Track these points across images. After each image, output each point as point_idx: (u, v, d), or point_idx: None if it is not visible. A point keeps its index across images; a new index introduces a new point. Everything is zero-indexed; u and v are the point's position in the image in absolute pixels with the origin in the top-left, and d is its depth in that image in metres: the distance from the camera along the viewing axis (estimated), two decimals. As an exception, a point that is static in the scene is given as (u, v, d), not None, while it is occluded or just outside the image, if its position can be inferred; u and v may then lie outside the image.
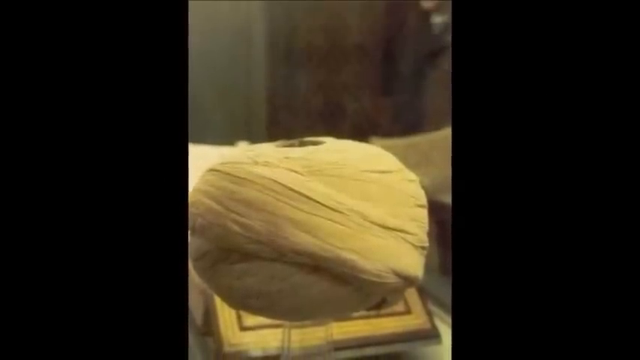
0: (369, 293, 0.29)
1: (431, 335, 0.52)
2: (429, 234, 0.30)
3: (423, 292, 0.54)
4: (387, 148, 0.32)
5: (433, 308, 0.57)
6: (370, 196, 0.28)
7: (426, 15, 0.93)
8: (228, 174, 0.28)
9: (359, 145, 0.31)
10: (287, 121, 1.15)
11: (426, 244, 0.30)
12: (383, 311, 0.36)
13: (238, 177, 0.28)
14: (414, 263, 0.28)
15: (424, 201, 0.30)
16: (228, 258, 0.28)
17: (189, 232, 0.30)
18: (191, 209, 0.29)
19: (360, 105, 1.15)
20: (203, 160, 0.31)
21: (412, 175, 0.31)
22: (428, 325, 0.52)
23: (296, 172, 0.28)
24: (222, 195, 0.28)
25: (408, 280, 0.28)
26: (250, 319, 0.47)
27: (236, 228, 0.27)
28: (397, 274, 0.28)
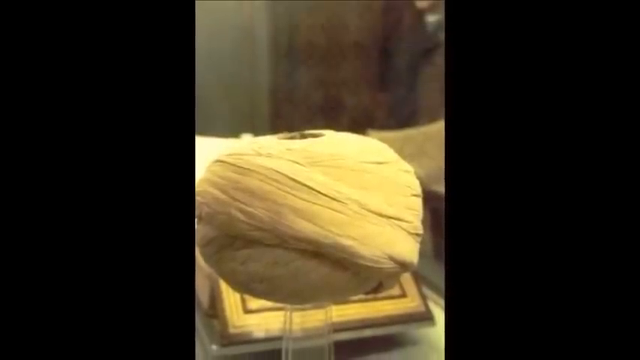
0: (367, 278, 0.29)
1: (425, 317, 0.52)
2: (424, 222, 0.30)
3: (417, 277, 0.54)
4: (384, 141, 0.31)
5: (427, 292, 0.57)
6: (367, 185, 0.28)
7: (420, 14, 0.93)
8: (232, 165, 0.28)
9: (357, 137, 0.31)
10: (289, 114, 1.15)
11: (421, 232, 0.30)
12: (380, 295, 0.36)
13: (242, 167, 0.28)
14: (409, 249, 0.28)
15: (419, 190, 0.30)
16: (232, 244, 0.28)
17: (196, 220, 0.30)
18: (198, 198, 0.29)
19: (358, 100, 1.15)
20: (209, 152, 0.31)
21: (407, 166, 0.31)
22: (422, 308, 0.52)
23: (297, 163, 0.27)
24: (227, 185, 0.28)
25: (403, 266, 0.28)
26: (254, 303, 0.48)
27: (240, 216, 0.27)
28: (393, 260, 0.28)
